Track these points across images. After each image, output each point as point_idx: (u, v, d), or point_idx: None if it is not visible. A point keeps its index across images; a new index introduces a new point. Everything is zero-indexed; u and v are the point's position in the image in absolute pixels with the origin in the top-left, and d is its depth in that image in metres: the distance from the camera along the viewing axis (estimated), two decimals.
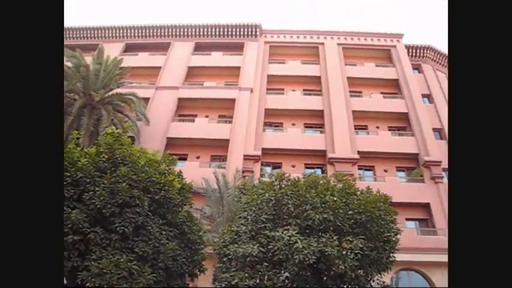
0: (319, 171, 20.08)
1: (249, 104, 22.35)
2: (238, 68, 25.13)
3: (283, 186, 9.78)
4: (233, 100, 22.69)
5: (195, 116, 23.49)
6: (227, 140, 20.64)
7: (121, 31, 28.29)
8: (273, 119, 23.30)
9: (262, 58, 26.13)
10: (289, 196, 9.28)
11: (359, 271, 9.71)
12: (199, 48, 27.58)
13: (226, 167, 19.66)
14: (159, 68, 25.85)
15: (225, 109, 22.94)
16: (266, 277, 8.88)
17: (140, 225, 8.78)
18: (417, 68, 28.00)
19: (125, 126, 13.62)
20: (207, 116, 23.34)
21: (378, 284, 10.59)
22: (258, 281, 8.77)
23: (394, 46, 27.60)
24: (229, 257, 9.23)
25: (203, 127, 22.15)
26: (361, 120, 23.67)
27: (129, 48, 28.00)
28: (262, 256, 9.12)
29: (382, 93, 25.12)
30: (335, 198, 9.17)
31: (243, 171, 18.76)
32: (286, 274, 9.10)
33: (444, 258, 17.70)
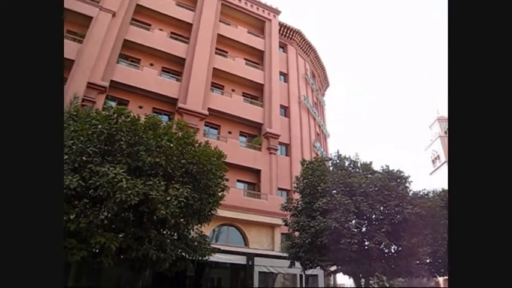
0: (165, 118, 19.59)
1: (108, 29, 19.83)
2: None
3: (120, 121, 9.08)
4: (89, 18, 19.79)
5: None
6: (71, 61, 17.99)
7: None
8: (131, 53, 21.38)
9: None
10: (124, 133, 8.70)
11: (181, 219, 9.95)
12: None
13: (64, 90, 17.28)
14: None
15: (78, 26, 19.87)
16: (83, 215, 8.21)
17: None
18: (283, 47, 29.69)
19: None
20: None
21: (197, 233, 11.10)
22: (72, 217, 8.00)
23: (270, 20, 28.46)
24: None
25: None
26: (219, 80, 23.91)
27: None
28: (81, 191, 8.37)
29: (245, 59, 25.75)
30: (171, 145, 9.02)
31: (83, 100, 16.80)
32: (106, 213, 8.61)
33: (262, 218, 19.84)
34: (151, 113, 15.83)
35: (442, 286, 47.08)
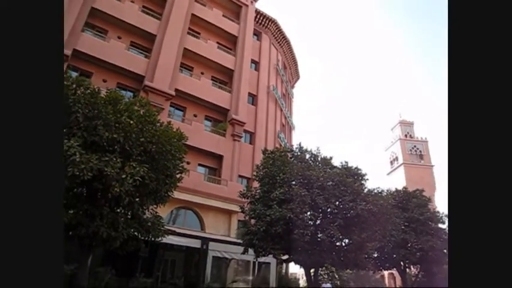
0: (130, 95, 18.99)
1: None
2: None
3: (79, 93, 8.69)
4: None
5: None
6: None
7: None
8: (98, 22, 20.36)
9: None
10: (82, 105, 8.33)
11: (136, 199, 9.76)
12: None
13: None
14: None
15: None
16: None
17: None
18: (257, 35, 29.49)
19: None
20: None
21: (152, 213, 10.94)
22: None
23: (247, 5, 28.07)
24: None
25: None
26: (189, 61, 23.43)
27: None
28: None
29: (218, 43, 25.39)
30: (131, 122, 8.76)
31: None
32: None
33: (220, 204, 19.89)
34: (114, 88, 15.27)
35: (386, 279, 49.47)
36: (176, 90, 20.88)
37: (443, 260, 19.78)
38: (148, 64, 20.51)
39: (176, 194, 12.65)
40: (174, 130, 10.40)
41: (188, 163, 18.29)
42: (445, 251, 18.71)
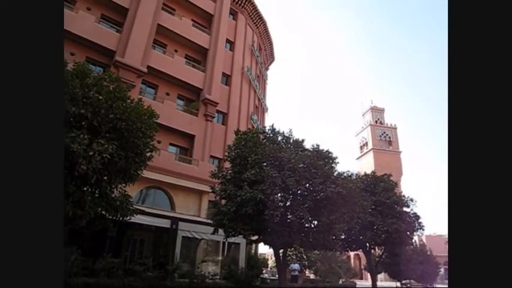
0: (99, 70, 18.29)
1: None
2: None
3: None
4: None
5: None
6: None
7: None
8: None
9: None
10: None
11: (104, 177, 9.52)
12: None
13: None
14: None
15: None
16: None
17: None
18: (234, 14, 28.91)
19: None
20: None
21: (120, 192, 10.73)
22: None
23: None
24: None
25: None
26: (163, 38, 22.76)
27: None
28: None
29: (193, 20, 24.71)
30: (100, 97, 8.45)
31: None
32: None
33: (191, 184, 19.80)
34: (82, 62, 14.65)
35: (352, 260, 51.33)
36: (148, 67, 20.28)
37: (406, 242, 20.70)
38: (119, 39, 19.73)
39: (146, 173, 12.44)
40: (145, 107, 10.14)
41: (159, 142, 17.99)
42: (408, 233, 19.53)
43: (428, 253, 29.60)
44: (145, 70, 19.94)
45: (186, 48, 24.08)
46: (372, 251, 21.79)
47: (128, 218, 10.73)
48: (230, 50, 27.36)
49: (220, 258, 19.63)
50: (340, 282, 26.37)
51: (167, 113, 19.62)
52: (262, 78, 33.75)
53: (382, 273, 32.89)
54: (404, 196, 20.86)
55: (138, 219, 12.99)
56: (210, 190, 14.54)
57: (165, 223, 16.86)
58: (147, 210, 15.69)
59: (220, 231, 13.42)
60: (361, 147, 73.80)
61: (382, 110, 74.60)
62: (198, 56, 24.64)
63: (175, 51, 23.20)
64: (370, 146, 69.70)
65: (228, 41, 26.96)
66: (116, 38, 19.72)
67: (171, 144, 21.21)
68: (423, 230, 20.58)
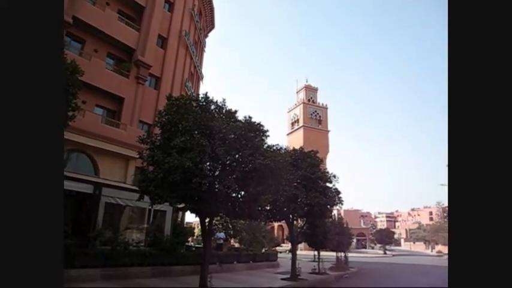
0: None
1: None
2: None
3: None
4: None
5: None
6: None
7: None
8: None
9: None
10: None
11: None
12: None
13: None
14: None
15: None
16: None
17: None
18: None
19: None
20: None
21: None
22: None
23: None
24: None
25: None
26: None
27: None
28: None
29: None
30: None
31: None
32: None
33: (117, 149, 18.89)
34: None
35: (276, 230, 53.59)
36: (75, 18, 18.45)
37: (326, 215, 21.99)
38: None
39: (67, 135, 11.59)
40: (68, 62, 9.29)
41: (84, 102, 16.79)
42: (328, 206, 20.71)
43: (345, 225, 31.87)
44: (71, 21, 18.09)
45: (120, 2, 22.35)
46: (295, 222, 22.82)
47: None
48: (169, 11, 25.93)
49: (145, 225, 19.24)
50: (263, 250, 27.49)
51: (94, 71, 18.28)
52: (200, 45, 32.73)
53: (302, 243, 34.85)
54: (328, 172, 21.95)
55: None
56: (138, 156, 14.01)
57: (88, 188, 16.03)
58: (67, 174, 14.71)
59: (146, 198, 13.08)
60: (293, 124, 76.14)
61: (315, 90, 77.12)
62: (133, 13, 23.04)
63: (107, 4, 21.39)
64: (301, 123, 72.20)
65: (167, 1, 25.53)
66: None
67: (97, 105, 19.93)
68: (342, 204, 21.94)
